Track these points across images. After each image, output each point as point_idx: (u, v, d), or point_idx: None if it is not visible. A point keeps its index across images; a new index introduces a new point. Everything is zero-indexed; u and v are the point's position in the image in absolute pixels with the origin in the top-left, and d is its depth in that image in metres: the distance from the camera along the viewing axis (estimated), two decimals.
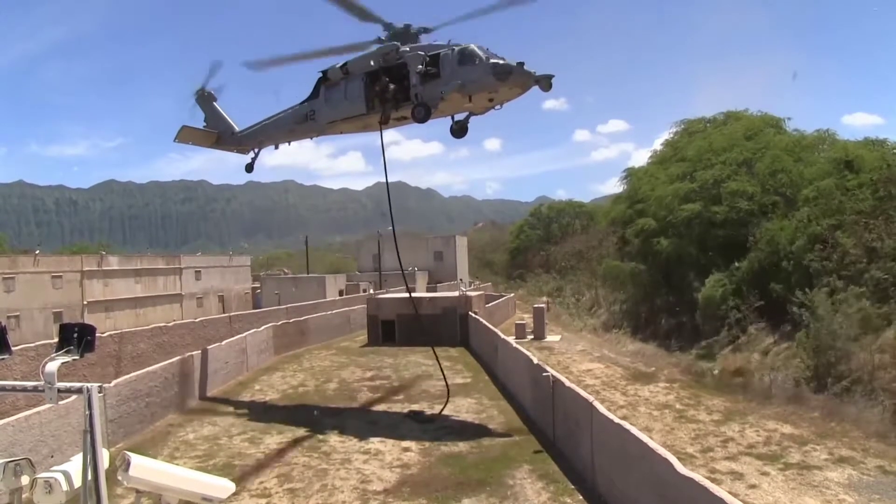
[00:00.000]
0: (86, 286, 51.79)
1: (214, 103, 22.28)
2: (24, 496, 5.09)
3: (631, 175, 38.47)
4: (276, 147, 21.71)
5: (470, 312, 31.36)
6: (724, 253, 26.55)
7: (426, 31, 17.67)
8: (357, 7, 17.14)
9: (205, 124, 22.21)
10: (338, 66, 18.56)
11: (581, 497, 11.57)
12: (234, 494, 6.89)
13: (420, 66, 16.83)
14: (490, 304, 38.84)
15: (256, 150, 21.94)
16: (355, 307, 39.92)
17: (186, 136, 21.54)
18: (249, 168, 22.23)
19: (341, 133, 20.76)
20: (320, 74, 19.16)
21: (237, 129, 21.94)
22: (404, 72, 17.26)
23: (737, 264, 25.16)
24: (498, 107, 17.09)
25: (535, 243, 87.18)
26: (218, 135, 22.03)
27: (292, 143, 21.21)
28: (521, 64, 15.69)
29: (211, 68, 22.23)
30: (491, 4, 16.66)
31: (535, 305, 39.15)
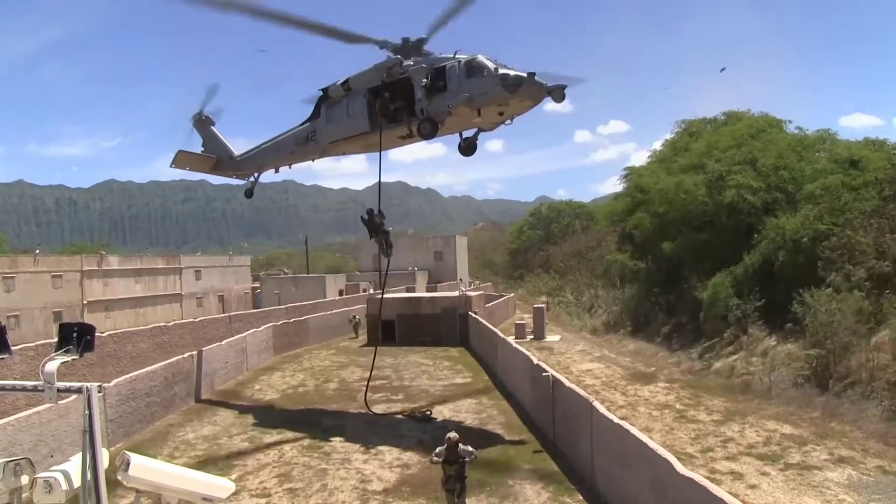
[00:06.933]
0: (86, 286, 51.79)
1: (213, 127, 21.80)
2: (23, 496, 5.09)
3: (632, 173, 38.48)
4: (276, 171, 21.16)
5: (470, 312, 31.36)
6: (727, 252, 26.54)
7: (422, 40, 16.65)
8: (342, 33, 16.30)
9: (203, 149, 21.79)
10: (339, 82, 17.84)
11: (581, 497, 11.57)
12: (234, 494, 6.89)
13: (425, 80, 16.04)
14: (490, 304, 38.86)
15: (256, 175, 21.49)
16: (355, 307, 39.94)
17: (183, 161, 20.98)
18: (249, 193, 21.76)
19: (344, 154, 19.95)
20: (321, 92, 18.52)
21: (236, 153, 21.49)
22: (409, 87, 16.47)
23: (744, 258, 25.10)
24: (508, 121, 16.26)
25: (536, 243, 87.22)
26: (216, 159, 21.58)
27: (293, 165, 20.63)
28: (532, 74, 14.86)
29: (208, 91, 21.63)
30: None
31: (535, 305, 39.17)
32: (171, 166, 20.92)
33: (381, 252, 18.73)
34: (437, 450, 10.08)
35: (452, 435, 10.06)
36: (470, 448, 10.07)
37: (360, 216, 18.04)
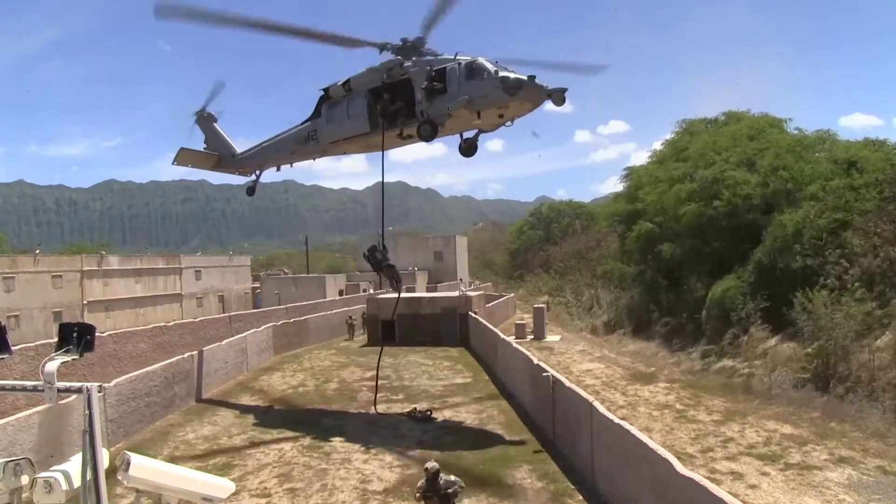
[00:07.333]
0: (86, 286, 51.76)
1: (215, 124, 21.82)
2: (24, 496, 5.09)
3: (631, 173, 38.47)
4: (278, 169, 21.20)
5: (470, 312, 31.37)
6: (727, 253, 26.52)
7: (436, 55, 16.68)
8: (344, 39, 16.21)
9: (205, 146, 21.80)
10: (339, 83, 17.84)
11: (581, 497, 11.56)
12: (234, 494, 6.88)
13: (425, 82, 16.02)
14: (490, 304, 38.88)
15: (258, 173, 21.58)
16: (355, 307, 39.97)
17: (185, 158, 21.00)
18: (251, 191, 21.85)
19: (344, 153, 19.98)
20: (322, 92, 18.54)
21: (238, 151, 21.53)
22: (409, 88, 16.47)
23: (752, 258, 25.05)
24: (508, 123, 16.23)
25: (536, 243, 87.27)
26: (218, 157, 21.63)
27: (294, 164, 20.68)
28: (532, 77, 14.81)
29: (213, 90, 21.64)
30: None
31: (535, 305, 39.17)
32: (173, 163, 21.00)
33: (391, 287, 18.73)
34: (419, 483, 8.89)
35: (430, 465, 8.75)
36: (453, 478, 8.79)
37: (363, 252, 18.14)
